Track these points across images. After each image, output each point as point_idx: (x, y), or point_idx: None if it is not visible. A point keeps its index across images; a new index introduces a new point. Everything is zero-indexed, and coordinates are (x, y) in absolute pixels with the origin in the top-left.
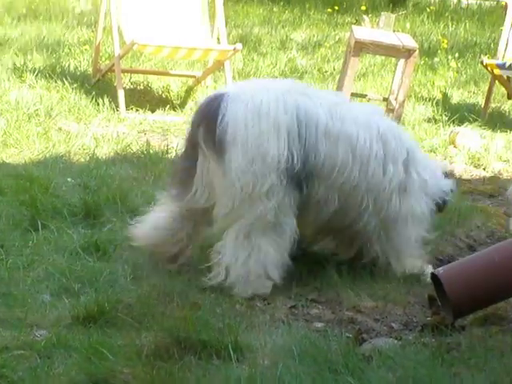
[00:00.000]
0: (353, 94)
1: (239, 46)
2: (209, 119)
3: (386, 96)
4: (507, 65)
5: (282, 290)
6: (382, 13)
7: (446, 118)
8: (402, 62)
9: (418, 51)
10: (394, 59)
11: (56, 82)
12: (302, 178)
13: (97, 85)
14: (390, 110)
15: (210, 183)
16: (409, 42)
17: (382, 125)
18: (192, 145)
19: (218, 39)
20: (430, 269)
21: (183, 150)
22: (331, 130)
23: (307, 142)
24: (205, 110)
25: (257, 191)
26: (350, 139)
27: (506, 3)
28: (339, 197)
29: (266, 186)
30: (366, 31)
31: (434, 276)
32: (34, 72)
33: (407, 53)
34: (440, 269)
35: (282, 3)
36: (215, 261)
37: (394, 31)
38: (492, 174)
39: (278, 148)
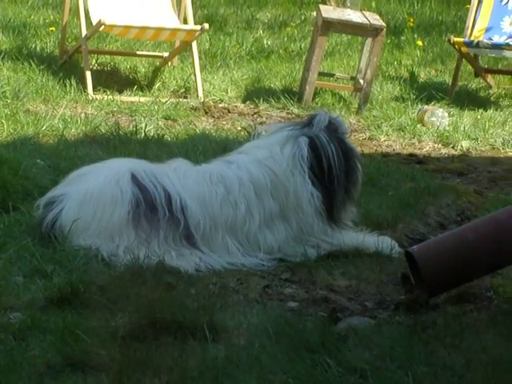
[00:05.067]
0: (320, 74)
1: (206, 25)
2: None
3: (354, 75)
4: (474, 43)
5: (255, 270)
6: None
7: (414, 97)
8: (369, 40)
9: (385, 30)
10: (360, 38)
11: (23, 63)
12: None
13: (64, 66)
14: (357, 89)
15: None
16: (376, 20)
17: None
18: None
19: (185, 19)
20: None
21: None
22: None
23: None
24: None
25: None
26: None
27: None
28: None
29: None
30: (333, 10)
31: (408, 254)
32: (0, 54)
33: (375, 32)
34: (414, 247)
35: None
36: None
37: (360, 10)
38: (460, 152)
39: None
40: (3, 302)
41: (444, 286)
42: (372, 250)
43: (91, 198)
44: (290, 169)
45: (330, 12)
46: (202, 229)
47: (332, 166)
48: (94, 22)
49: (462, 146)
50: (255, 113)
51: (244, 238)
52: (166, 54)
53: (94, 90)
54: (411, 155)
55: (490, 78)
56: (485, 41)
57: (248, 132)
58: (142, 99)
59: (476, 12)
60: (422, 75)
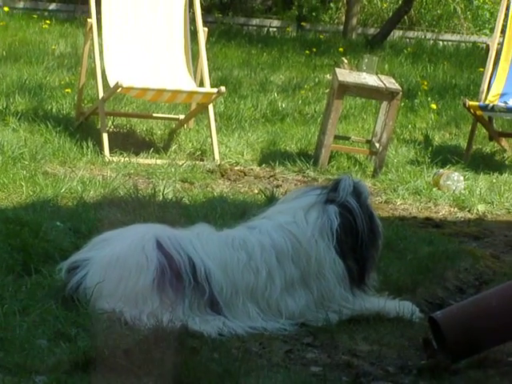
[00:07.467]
0: (336, 137)
1: (223, 88)
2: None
3: (368, 138)
4: (490, 106)
5: (277, 334)
6: (365, 55)
7: (429, 160)
8: (384, 104)
9: (401, 94)
10: (374, 101)
11: (39, 125)
12: None
13: (80, 128)
14: (373, 153)
15: None
16: (392, 84)
17: None
18: None
19: (201, 82)
20: None
21: None
22: None
23: None
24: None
25: None
26: None
27: (487, 45)
28: None
29: None
30: (348, 73)
31: (431, 319)
32: (16, 115)
33: (391, 95)
34: (438, 312)
35: (260, 45)
36: None
37: (376, 73)
38: (476, 216)
39: None
40: (28, 366)
41: (467, 352)
42: (393, 314)
43: (116, 264)
44: (313, 235)
45: (345, 75)
46: (224, 295)
47: (360, 233)
48: (111, 84)
49: (477, 210)
50: (271, 176)
51: (265, 304)
52: (181, 117)
53: (110, 152)
54: (428, 219)
55: (504, 142)
56: (500, 104)
57: (265, 195)
58: (159, 162)
59: (491, 76)
60: (437, 138)
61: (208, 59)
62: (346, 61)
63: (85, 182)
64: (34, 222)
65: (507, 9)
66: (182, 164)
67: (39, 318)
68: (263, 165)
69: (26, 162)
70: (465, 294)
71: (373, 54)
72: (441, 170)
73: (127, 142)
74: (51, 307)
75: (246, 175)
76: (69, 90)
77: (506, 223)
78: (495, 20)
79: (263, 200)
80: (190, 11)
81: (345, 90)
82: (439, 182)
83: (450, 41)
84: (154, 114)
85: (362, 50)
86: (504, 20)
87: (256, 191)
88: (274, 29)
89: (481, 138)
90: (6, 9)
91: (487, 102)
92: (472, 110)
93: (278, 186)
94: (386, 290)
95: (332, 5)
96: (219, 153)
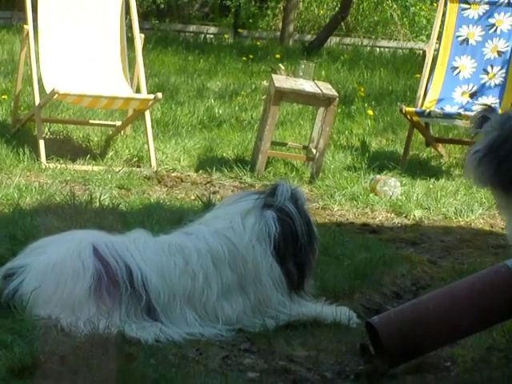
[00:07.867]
0: (273, 143)
1: (159, 95)
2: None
3: (305, 144)
4: (426, 112)
5: (214, 340)
6: (301, 61)
7: (366, 166)
8: (321, 110)
9: (337, 99)
10: (311, 107)
11: None
12: None
13: (16, 135)
14: (310, 159)
15: None
16: (328, 90)
17: None
18: None
19: (138, 88)
20: None
21: None
22: None
23: None
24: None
25: None
26: None
27: (423, 51)
28: None
29: None
30: (285, 79)
31: (368, 324)
32: None
33: (327, 101)
34: (375, 317)
35: (196, 52)
36: None
37: (313, 79)
38: (413, 222)
39: None
40: None
41: (405, 357)
42: (330, 320)
43: (53, 271)
44: (250, 241)
45: (282, 81)
46: (161, 300)
47: (299, 238)
48: (48, 91)
49: (414, 216)
50: (208, 182)
51: (202, 309)
52: (118, 123)
53: (47, 159)
54: (365, 225)
55: (441, 148)
56: (436, 110)
57: (202, 201)
58: (96, 168)
59: (428, 82)
60: (374, 144)
61: (145, 66)
62: (282, 67)
63: (21, 188)
64: None
65: (443, 15)
66: (119, 170)
67: None
68: (200, 171)
69: None
70: (402, 300)
71: (310, 61)
72: (378, 176)
73: (64, 149)
74: None
75: (182, 181)
76: (5, 97)
77: (443, 228)
78: (432, 26)
79: (200, 206)
80: (126, 18)
81: (281, 96)
82: (376, 187)
83: (386, 47)
84: (91, 121)
85: (299, 57)
86: (440, 26)
87: (193, 197)
88: (211, 35)
89: (417, 144)
90: None
91: (424, 108)
92: (409, 116)
93: (214, 192)
94: (323, 295)
95: (269, 11)
96: (156, 159)
